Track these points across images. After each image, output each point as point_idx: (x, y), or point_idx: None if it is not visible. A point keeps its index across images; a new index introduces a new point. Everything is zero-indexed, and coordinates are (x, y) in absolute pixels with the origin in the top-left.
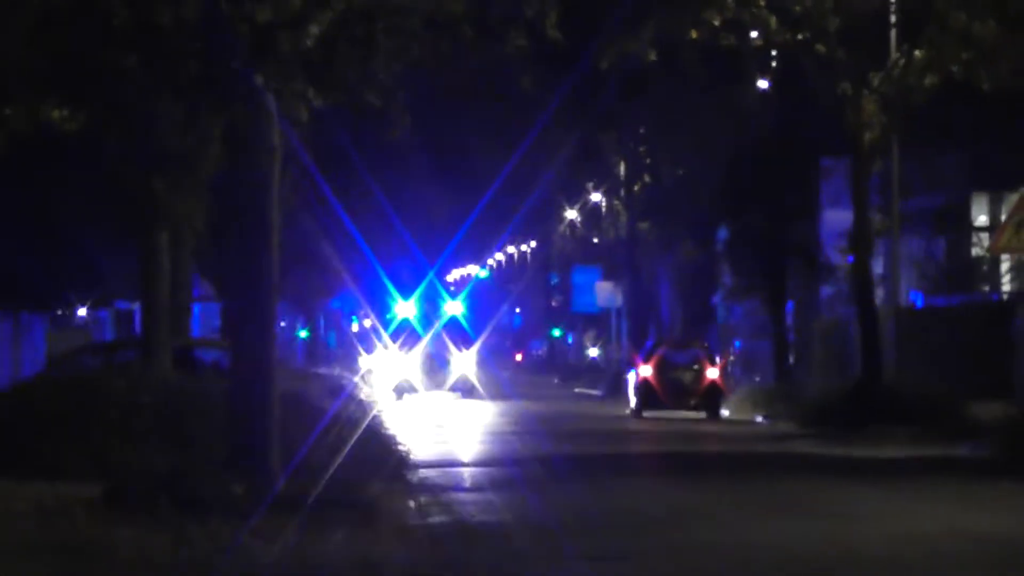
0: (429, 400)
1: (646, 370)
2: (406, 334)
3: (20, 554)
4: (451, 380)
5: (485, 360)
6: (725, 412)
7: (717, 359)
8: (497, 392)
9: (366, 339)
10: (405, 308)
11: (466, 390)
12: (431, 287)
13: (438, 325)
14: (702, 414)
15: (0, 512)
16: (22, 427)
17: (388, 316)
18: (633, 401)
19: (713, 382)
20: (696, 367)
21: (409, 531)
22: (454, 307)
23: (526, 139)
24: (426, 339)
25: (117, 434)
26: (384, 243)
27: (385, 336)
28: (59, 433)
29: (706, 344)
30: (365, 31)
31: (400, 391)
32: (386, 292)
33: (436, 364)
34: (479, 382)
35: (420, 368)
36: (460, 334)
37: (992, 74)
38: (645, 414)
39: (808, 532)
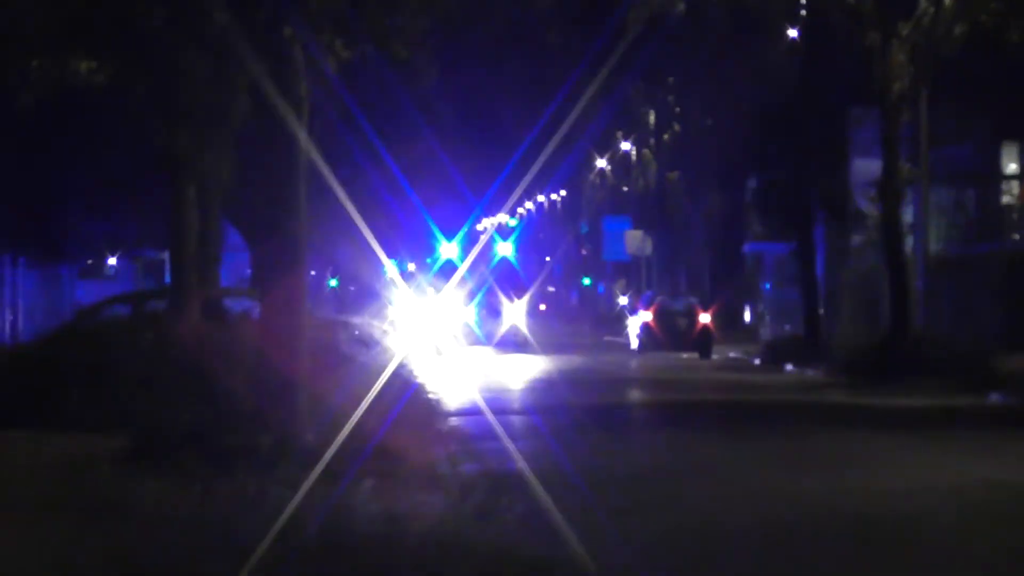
0: (474, 356)
1: (647, 315)
2: (449, 279)
3: (45, 507)
4: (502, 331)
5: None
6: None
7: (708, 308)
8: (550, 345)
9: (405, 285)
10: (448, 249)
11: (518, 344)
12: (473, 230)
13: (487, 270)
14: (695, 354)
15: (25, 465)
16: (48, 379)
17: (430, 259)
18: (635, 343)
19: (705, 326)
20: (690, 314)
21: (437, 480)
22: (505, 248)
23: (557, 90)
24: (472, 285)
25: (144, 386)
26: (422, 189)
27: (425, 282)
28: (85, 385)
29: (696, 296)
30: None
31: (442, 345)
32: (427, 235)
33: (485, 314)
34: (531, 334)
35: (466, 318)
36: (511, 280)
37: (1022, 24)
38: (646, 354)
39: (836, 484)
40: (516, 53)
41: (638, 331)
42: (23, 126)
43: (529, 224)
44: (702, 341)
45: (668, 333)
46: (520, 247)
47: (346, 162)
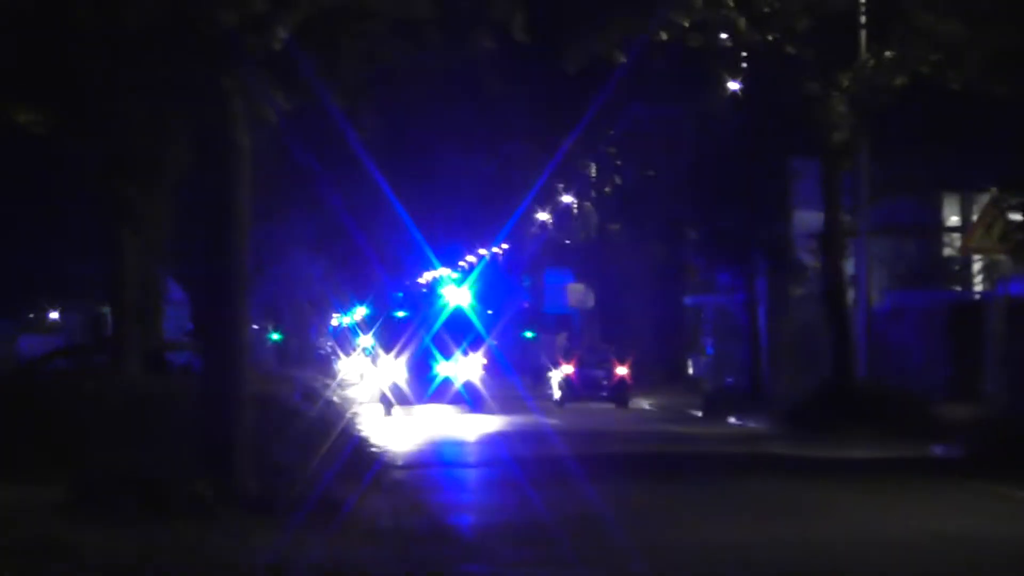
0: (425, 414)
1: (568, 368)
2: (396, 332)
3: None
4: (453, 389)
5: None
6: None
7: (625, 360)
8: (505, 404)
9: (347, 340)
10: (397, 300)
11: (473, 401)
12: (421, 280)
13: (438, 319)
14: (611, 405)
15: None
16: None
17: (376, 310)
18: (557, 393)
19: (622, 378)
20: (607, 366)
21: (379, 533)
22: (458, 295)
23: (499, 141)
24: (420, 337)
25: (85, 436)
26: (369, 238)
27: (370, 336)
28: (26, 435)
29: (613, 347)
30: (330, 35)
31: (388, 402)
32: (375, 285)
33: (435, 369)
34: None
35: (414, 373)
36: (464, 331)
37: (960, 74)
38: (566, 406)
39: (778, 534)
40: (458, 103)
41: (560, 382)
42: None
43: (480, 276)
44: (619, 391)
45: (587, 385)
46: (472, 297)
47: (290, 211)
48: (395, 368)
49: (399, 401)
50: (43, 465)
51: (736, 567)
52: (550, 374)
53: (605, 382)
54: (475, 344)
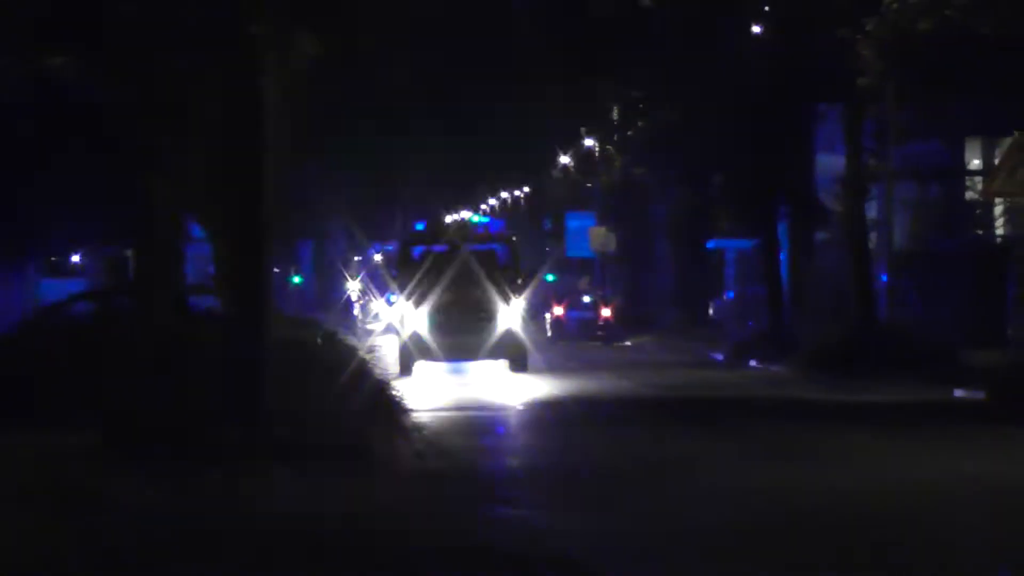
0: (451, 372)
1: (558, 310)
2: (420, 271)
3: (15, 503)
4: (491, 340)
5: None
6: (628, 343)
7: (609, 303)
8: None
9: (372, 284)
10: (419, 236)
11: (514, 357)
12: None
13: (469, 256)
14: (599, 343)
15: None
16: (15, 374)
17: (398, 247)
18: (549, 332)
19: (607, 319)
20: (595, 308)
21: (404, 475)
22: (497, 228)
23: (523, 84)
24: (450, 277)
25: (113, 381)
26: (394, 182)
27: (390, 277)
28: (54, 380)
29: (600, 293)
30: None
31: (408, 358)
32: (399, 228)
33: (468, 316)
34: (529, 343)
35: (442, 323)
36: (500, 271)
37: (989, 18)
38: (558, 343)
39: (807, 479)
40: (483, 47)
41: (551, 323)
42: None
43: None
44: (604, 331)
45: (576, 325)
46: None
47: (317, 156)
48: (417, 316)
49: (422, 355)
50: (68, 411)
51: (764, 511)
52: (544, 315)
53: (592, 323)
54: (514, 286)
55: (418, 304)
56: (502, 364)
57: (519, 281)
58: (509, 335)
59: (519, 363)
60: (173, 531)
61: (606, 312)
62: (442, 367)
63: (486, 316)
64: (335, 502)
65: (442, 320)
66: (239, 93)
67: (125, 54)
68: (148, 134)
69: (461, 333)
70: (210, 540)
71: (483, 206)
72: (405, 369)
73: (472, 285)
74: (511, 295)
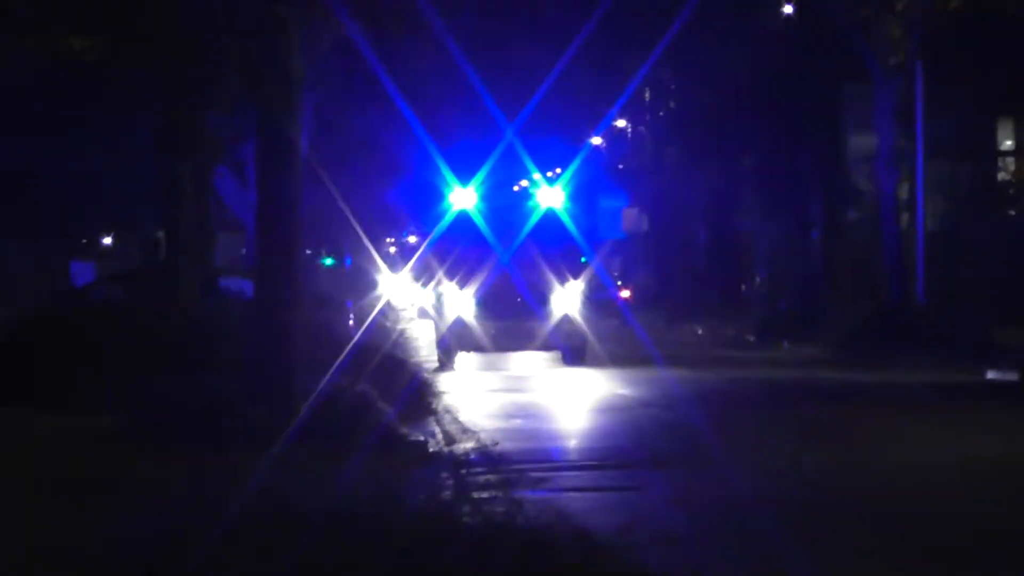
0: (497, 366)
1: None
2: (459, 252)
3: (37, 484)
4: (547, 328)
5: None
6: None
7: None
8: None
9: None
10: (462, 197)
11: (571, 348)
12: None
13: (525, 227)
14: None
15: (18, 442)
16: (42, 356)
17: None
18: None
19: (624, 300)
20: (612, 289)
21: (430, 459)
22: (551, 196)
23: (552, 67)
24: (498, 257)
25: (139, 364)
26: (425, 168)
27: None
28: (80, 362)
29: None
30: None
31: (448, 347)
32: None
33: (519, 300)
34: (590, 332)
35: (488, 306)
36: (561, 247)
37: None
38: None
39: (836, 460)
40: (512, 28)
41: None
42: (17, 103)
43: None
44: (622, 311)
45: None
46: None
47: (348, 136)
48: (460, 300)
49: (464, 346)
50: (98, 393)
51: (796, 487)
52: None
53: (609, 302)
54: (573, 266)
55: (463, 285)
56: (553, 356)
57: (582, 260)
58: (567, 322)
59: (577, 355)
60: (201, 514)
61: (625, 294)
62: (488, 359)
63: (541, 300)
64: (363, 484)
65: (491, 304)
66: (267, 74)
67: (149, 35)
68: (175, 113)
69: (512, 319)
70: (239, 524)
71: (514, 188)
72: (446, 363)
73: (527, 265)
74: (568, 276)
